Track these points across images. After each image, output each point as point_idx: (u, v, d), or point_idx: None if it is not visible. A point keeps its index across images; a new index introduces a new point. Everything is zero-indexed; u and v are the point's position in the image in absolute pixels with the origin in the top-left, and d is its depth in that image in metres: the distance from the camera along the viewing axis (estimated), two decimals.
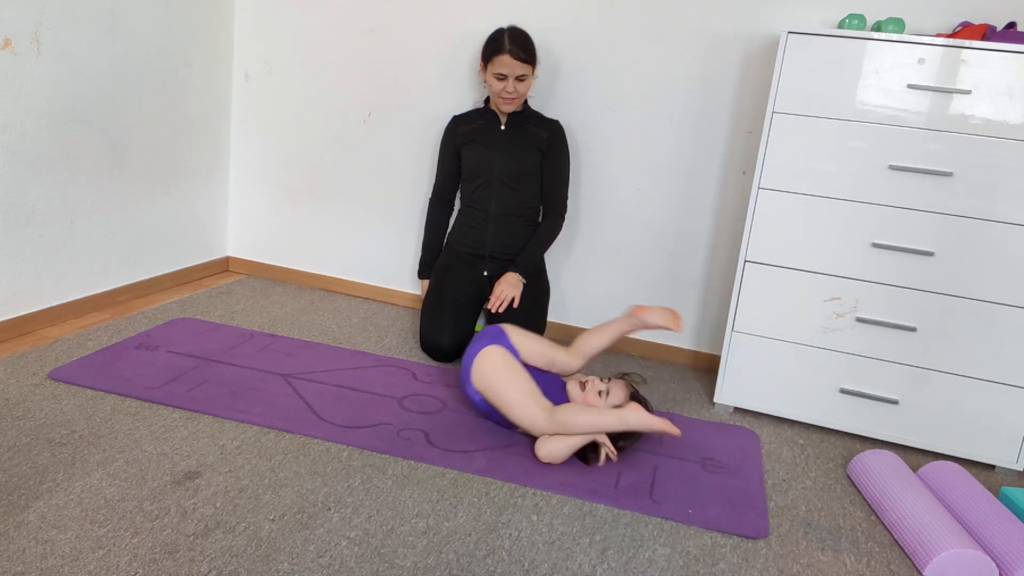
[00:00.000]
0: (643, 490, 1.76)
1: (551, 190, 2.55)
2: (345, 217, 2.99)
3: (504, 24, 2.51)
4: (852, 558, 1.60)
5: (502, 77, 2.39)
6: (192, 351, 2.25)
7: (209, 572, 1.33)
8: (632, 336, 2.71)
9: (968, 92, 1.90)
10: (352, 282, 3.03)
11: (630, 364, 2.61)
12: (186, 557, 1.36)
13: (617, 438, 1.85)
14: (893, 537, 1.69)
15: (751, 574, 1.50)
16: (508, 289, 2.39)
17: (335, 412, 1.97)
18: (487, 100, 2.57)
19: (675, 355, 2.69)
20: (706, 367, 2.64)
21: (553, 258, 2.73)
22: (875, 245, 2.03)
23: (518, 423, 1.88)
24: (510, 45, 2.35)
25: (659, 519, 1.66)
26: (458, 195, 2.67)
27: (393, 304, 2.97)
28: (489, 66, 2.40)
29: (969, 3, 2.19)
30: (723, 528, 1.64)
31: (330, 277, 3.06)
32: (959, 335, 2.02)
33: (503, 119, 2.52)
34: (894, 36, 1.93)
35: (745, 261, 2.15)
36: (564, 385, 1.99)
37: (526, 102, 2.55)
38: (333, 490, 1.63)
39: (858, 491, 1.88)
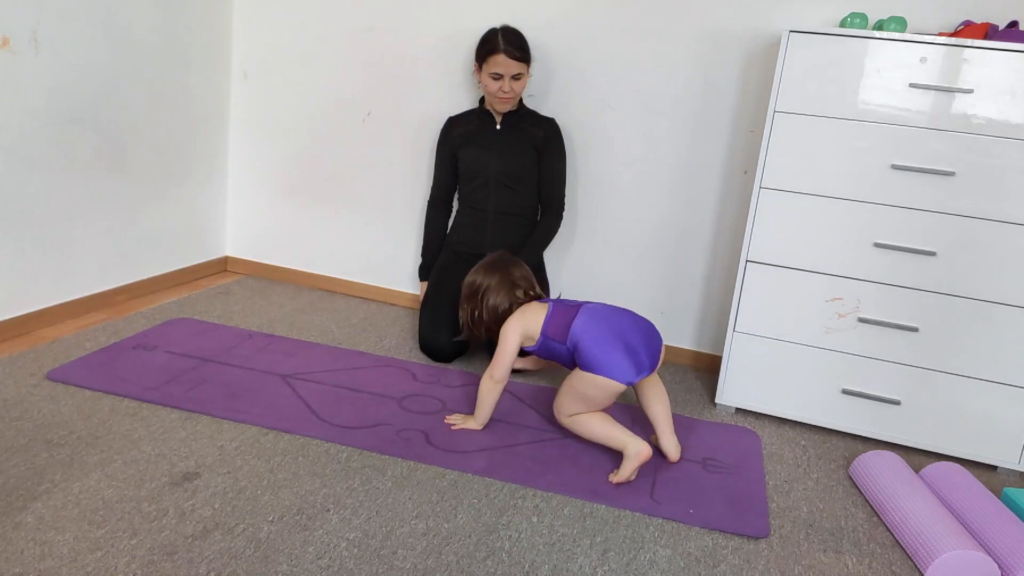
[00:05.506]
0: (644, 490, 1.75)
1: (548, 188, 2.55)
2: (344, 217, 2.98)
3: (502, 23, 2.50)
4: (854, 559, 1.59)
5: (498, 77, 2.38)
6: (190, 351, 2.24)
7: (208, 573, 1.32)
8: None
9: (970, 91, 1.89)
10: (351, 282, 3.03)
11: None
12: (184, 558, 1.35)
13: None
14: (895, 538, 1.68)
15: (752, 575, 1.50)
16: None
17: (334, 412, 1.96)
18: (481, 100, 2.56)
19: (677, 355, 2.68)
20: (707, 367, 2.63)
21: (552, 257, 2.72)
22: (877, 245, 2.03)
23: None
24: (505, 44, 2.34)
25: (660, 520, 1.65)
26: (456, 195, 2.66)
27: (393, 304, 2.96)
28: (484, 67, 2.39)
29: (971, 2, 2.18)
30: (724, 529, 1.63)
31: (329, 277, 3.05)
32: (961, 335, 2.01)
33: (498, 119, 2.51)
34: (896, 35, 1.93)
35: (746, 261, 2.14)
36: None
37: (521, 101, 2.53)
38: (332, 491, 1.62)
39: (860, 492, 1.88)
